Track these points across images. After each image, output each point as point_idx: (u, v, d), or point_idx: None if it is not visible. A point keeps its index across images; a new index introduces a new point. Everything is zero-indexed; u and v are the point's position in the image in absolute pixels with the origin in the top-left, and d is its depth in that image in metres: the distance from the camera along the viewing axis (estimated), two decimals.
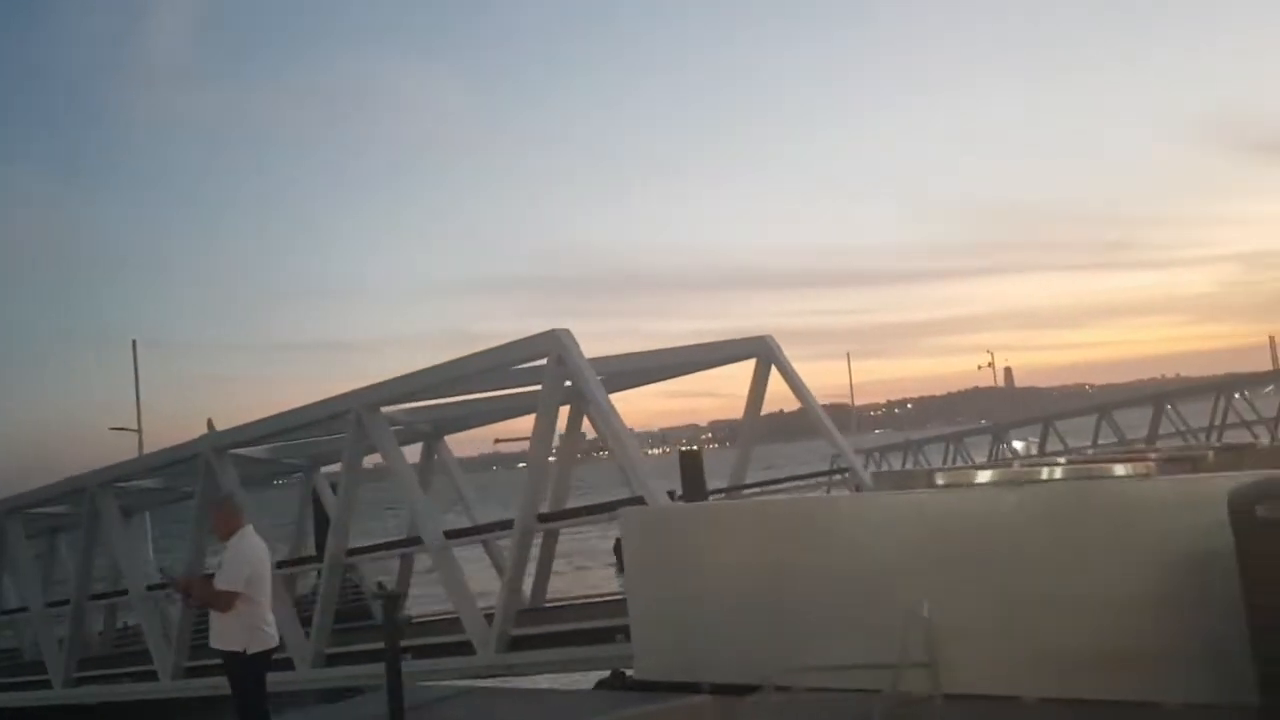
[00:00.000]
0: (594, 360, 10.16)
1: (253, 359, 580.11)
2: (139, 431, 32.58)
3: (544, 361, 9.83)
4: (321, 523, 14.22)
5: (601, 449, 12.89)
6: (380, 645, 7.47)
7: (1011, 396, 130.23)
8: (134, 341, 34.59)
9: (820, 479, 16.34)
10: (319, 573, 11.91)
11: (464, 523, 13.02)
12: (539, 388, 10.09)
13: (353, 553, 12.18)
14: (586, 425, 11.55)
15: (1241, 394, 30.87)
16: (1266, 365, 45.56)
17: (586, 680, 9.34)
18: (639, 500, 8.94)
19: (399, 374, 11.07)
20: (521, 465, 13.19)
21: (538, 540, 11.15)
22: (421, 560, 12.80)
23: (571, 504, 11.87)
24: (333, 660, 11.08)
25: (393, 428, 11.61)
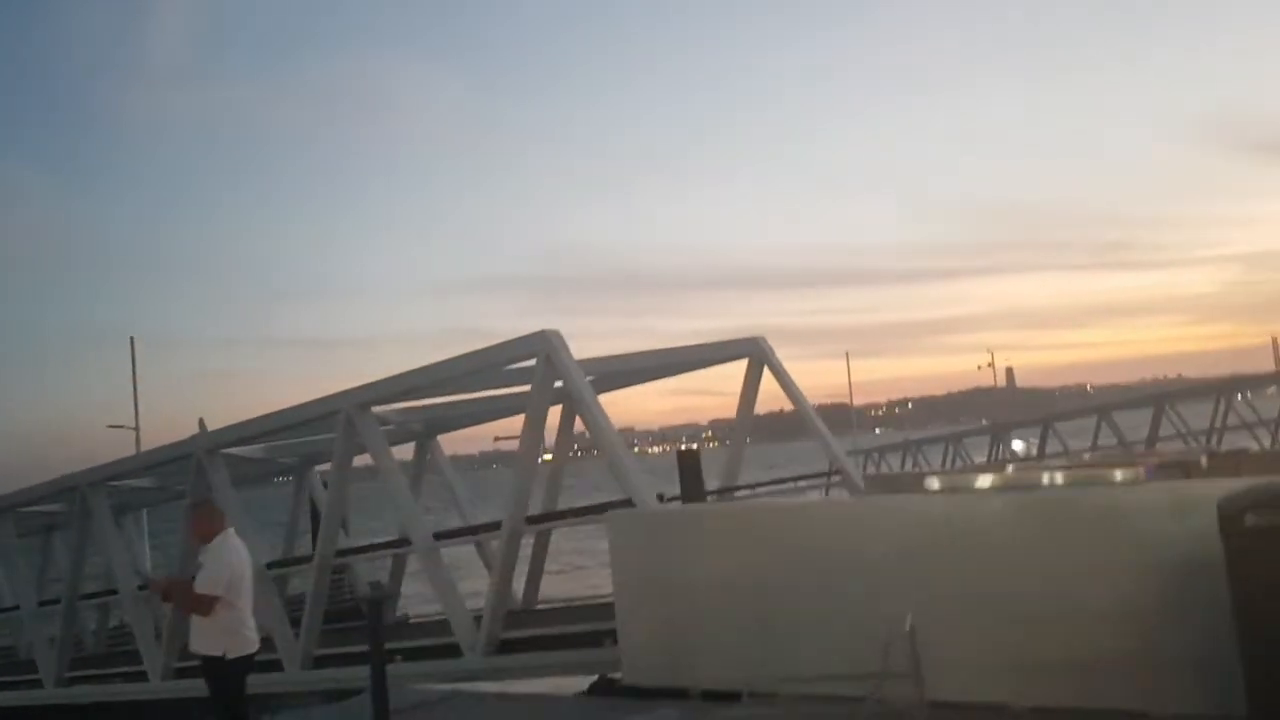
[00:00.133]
0: (586, 361, 10.10)
1: (252, 356, 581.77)
2: (136, 429, 32.50)
3: (535, 361, 9.77)
4: (319, 522, 14.16)
5: (595, 448, 12.82)
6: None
7: (1012, 396, 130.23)
8: (132, 339, 34.37)
9: (814, 481, 16.22)
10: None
11: (458, 523, 12.98)
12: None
13: (342, 553, 12.12)
14: (581, 425, 11.49)
15: (1243, 395, 30.78)
16: (1268, 366, 45.65)
17: (576, 685, 9.27)
18: (628, 502, 8.88)
19: (394, 373, 11.02)
20: None
21: (529, 541, 11.08)
22: (417, 560, 12.73)
23: (572, 502, 11.79)
24: (322, 662, 11.01)
25: (385, 427, 11.55)
